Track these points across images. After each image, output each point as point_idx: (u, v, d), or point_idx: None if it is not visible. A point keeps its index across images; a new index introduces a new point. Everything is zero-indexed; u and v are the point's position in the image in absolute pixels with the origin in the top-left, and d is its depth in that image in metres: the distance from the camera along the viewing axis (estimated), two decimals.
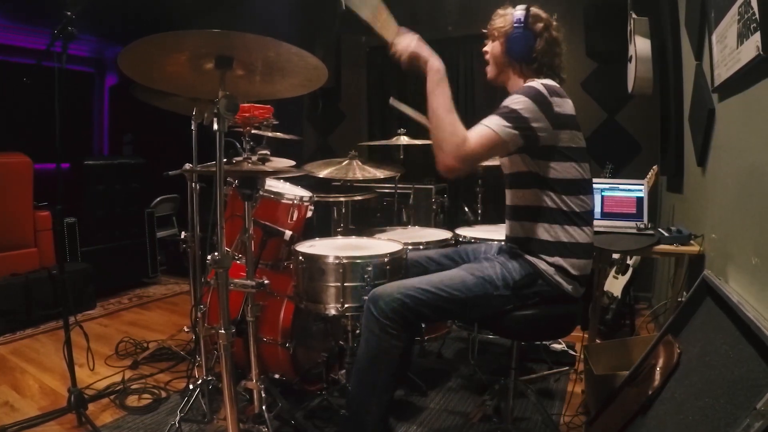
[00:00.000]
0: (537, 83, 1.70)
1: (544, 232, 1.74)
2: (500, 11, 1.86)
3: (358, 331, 2.30)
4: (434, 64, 1.74)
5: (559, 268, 1.73)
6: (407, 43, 1.77)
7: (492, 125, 1.61)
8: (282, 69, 1.62)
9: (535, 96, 1.64)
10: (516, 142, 1.63)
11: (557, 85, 1.74)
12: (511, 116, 1.62)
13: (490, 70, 1.92)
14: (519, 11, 1.79)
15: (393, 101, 2.31)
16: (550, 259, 1.73)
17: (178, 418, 2.13)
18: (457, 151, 1.59)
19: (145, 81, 1.63)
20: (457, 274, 1.79)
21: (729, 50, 1.84)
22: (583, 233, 1.76)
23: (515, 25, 1.78)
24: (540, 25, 1.79)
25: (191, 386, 2.30)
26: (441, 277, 1.78)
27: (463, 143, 1.58)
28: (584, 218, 1.77)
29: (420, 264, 2.07)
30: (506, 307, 1.75)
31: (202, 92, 1.77)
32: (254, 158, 2.07)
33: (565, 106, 1.71)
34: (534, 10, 1.80)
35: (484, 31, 1.91)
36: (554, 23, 1.82)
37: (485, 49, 1.92)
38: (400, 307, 1.67)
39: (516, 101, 1.64)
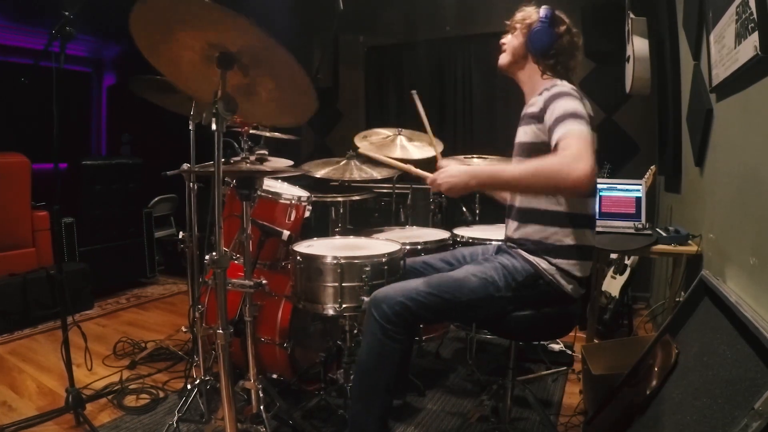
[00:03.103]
0: (566, 85, 1.68)
1: (552, 235, 1.73)
2: (524, 7, 1.89)
3: (356, 331, 2.30)
4: (473, 182, 1.63)
5: (561, 269, 1.73)
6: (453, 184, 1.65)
7: (574, 129, 1.53)
8: (281, 92, 1.61)
9: (578, 96, 1.64)
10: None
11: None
12: (581, 117, 1.57)
13: (504, 59, 1.91)
14: (545, 9, 1.82)
15: (414, 96, 2.29)
16: (553, 260, 1.73)
17: (176, 418, 2.13)
18: (573, 171, 1.44)
19: (152, 57, 1.58)
20: (459, 276, 1.78)
21: (727, 50, 1.84)
22: (587, 236, 1.76)
23: (541, 20, 1.80)
24: (563, 27, 1.82)
25: (189, 386, 2.29)
26: (442, 279, 1.77)
27: (569, 161, 1.46)
28: (590, 221, 1.77)
29: (417, 270, 2.05)
30: (507, 308, 1.74)
31: (199, 92, 1.76)
32: (252, 158, 2.07)
33: (589, 106, 1.71)
34: (558, 12, 1.83)
35: (507, 22, 1.92)
36: (575, 30, 1.84)
37: (503, 41, 1.93)
38: (403, 310, 1.67)
39: (570, 104, 1.60)
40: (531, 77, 1.87)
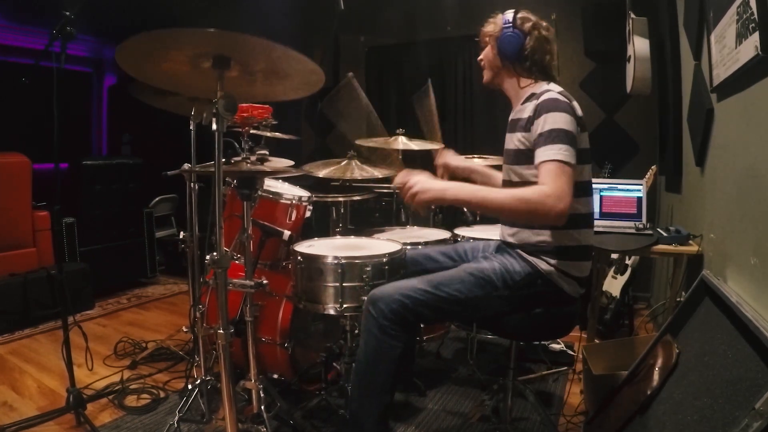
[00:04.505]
0: (552, 93, 1.68)
1: (547, 236, 1.73)
2: (490, 19, 1.90)
3: (356, 331, 2.30)
4: (449, 192, 1.68)
5: (559, 269, 1.73)
6: (420, 190, 1.69)
7: (557, 157, 1.56)
8: (279, 71, 1.61)
9: (564, 108, 1.64)
10: (576, 160, 1.60)
11: (563, 89, 1.75)
12: (566, 137, 1.59)
13: (486, 74, 1.95)
14: (507, 14, 1.83)
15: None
16: (551, 260, 1.73)
17: (176, 418, 2.13)
18: (553, 209, 1.52)
19: (143, 77, 1.62)
20: (457, 274, 1.78)
21: (728, 50, 1.84)
22: (585, 236, 1.76)
23: (504, 26, 1.81)
24: (528, 24, 1.81)
25: (190, 386, 2.29)
26: (440, 277, 1.77)
27: (550, 200, 1.52)
28: (586, 220, 1.77)
29: (418, 262, 2.07)
30: (506, 308, 1.75)
31: (200, 91, 1.77)
32: (253, 158, 2.07)
33: (579, 108, 1.71)
34: (522, 12, 1.83)
35: (477, 39, 1.94)
36: (544, 24, 1.83)
37: (480, 57, 1.94)
38: (400, 307, 1.67)
39: (557, 120, 1.61)
40: (513, 86, 1.88)
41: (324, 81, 1.65)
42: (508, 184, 1.87)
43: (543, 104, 1.67)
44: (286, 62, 1.55)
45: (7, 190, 3.66)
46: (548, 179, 1.55)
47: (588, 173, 1.78)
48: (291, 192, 2.63)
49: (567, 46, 4.12)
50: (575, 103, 1.70)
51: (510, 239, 1.84)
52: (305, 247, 2.27)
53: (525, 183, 1.75)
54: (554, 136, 1.60)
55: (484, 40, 1.90)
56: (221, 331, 1.55)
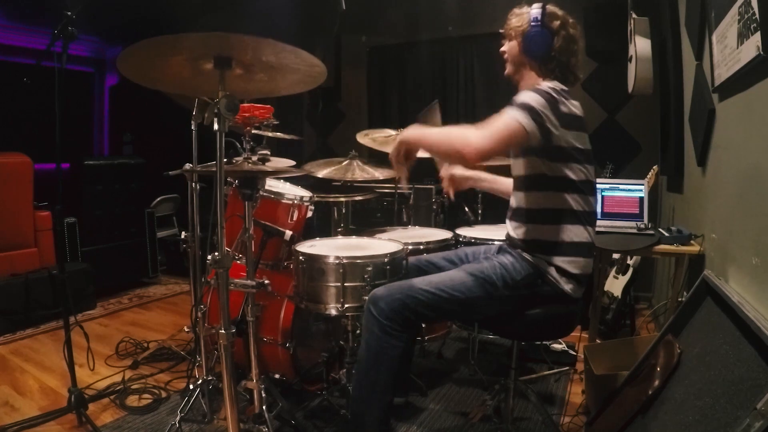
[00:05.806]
0: (543, 85, 1.69)
1: (550, 232, 1.73)
2: (516, 10, 1.85)
3: (358, 331, 2.30)
4: (405, 136, 1.77)
5: (560, 268, 1.73)
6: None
7: (514, 116, 1.58)
8: (280, 68, 1.62)
9: (542, 93, 1.64)
10: (535, 135, 1.60)
11: (564, 87, 1.74)
12: (528, 109, 1.60)
13: (508, 68, 1.91)
14: (535, 9, 1.77)
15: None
16: (552, 259, 1.73)
17: (178, 418, 2.13)
18: (469, 146, 1.56)
19: (146, 82, 1.63)
20: (458, 274, 1.79)
21: (729, 50, 1.84)
22: (586, 233, 1.76)
23: (532, 23, 1.76)
24: (557, 22, 1.76)
25: (191, 386, 2.30)
26: (441, 277, 1.78)
27: (477, 140, 1.56)
28: (588, 218, 1.77)
29: (419, 268, 2.06)
30: (506, 308, 1.75)
31: (202, 92, 1.77)
32: (254, 158, 2.07)
33: (572, 107, 1.70)
34: (550, 7, 1.78)
35: (501, 31, 1.90)
36: (571, 20, 1.79)
37: (503, 49, 1.90)
38: (401, 307, 1.68)
39: (526, 97, 1.63)
40: (530, 84, 1.84)
41: (325, 73, 1.65)
42: (519, 179, 1.87)
43: (525, 91, 1.69)
44: (287, 59, 1.56)
45: (9, 190, 3.66)
46: (487, 124, 1.59)
47: (591, 173, 1.77)
48: (293, 192, 2.63)
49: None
50: (564, 100, 1.68)
51: (513, 234, 1.85)
52: (307, 247, 2.27)
53: (527, 177, 1.78)
54: (516, 104, 1.62)
55: (508, 33, 1.86)
56: (223, 331, 1.55)
